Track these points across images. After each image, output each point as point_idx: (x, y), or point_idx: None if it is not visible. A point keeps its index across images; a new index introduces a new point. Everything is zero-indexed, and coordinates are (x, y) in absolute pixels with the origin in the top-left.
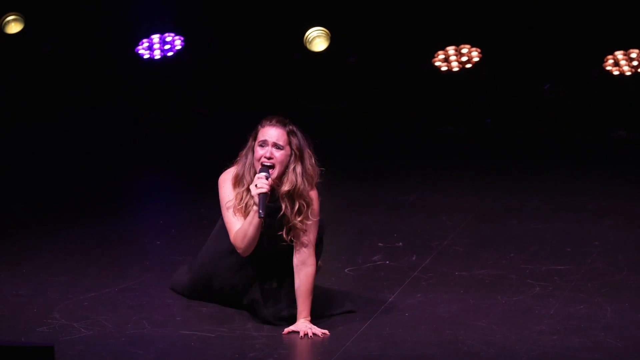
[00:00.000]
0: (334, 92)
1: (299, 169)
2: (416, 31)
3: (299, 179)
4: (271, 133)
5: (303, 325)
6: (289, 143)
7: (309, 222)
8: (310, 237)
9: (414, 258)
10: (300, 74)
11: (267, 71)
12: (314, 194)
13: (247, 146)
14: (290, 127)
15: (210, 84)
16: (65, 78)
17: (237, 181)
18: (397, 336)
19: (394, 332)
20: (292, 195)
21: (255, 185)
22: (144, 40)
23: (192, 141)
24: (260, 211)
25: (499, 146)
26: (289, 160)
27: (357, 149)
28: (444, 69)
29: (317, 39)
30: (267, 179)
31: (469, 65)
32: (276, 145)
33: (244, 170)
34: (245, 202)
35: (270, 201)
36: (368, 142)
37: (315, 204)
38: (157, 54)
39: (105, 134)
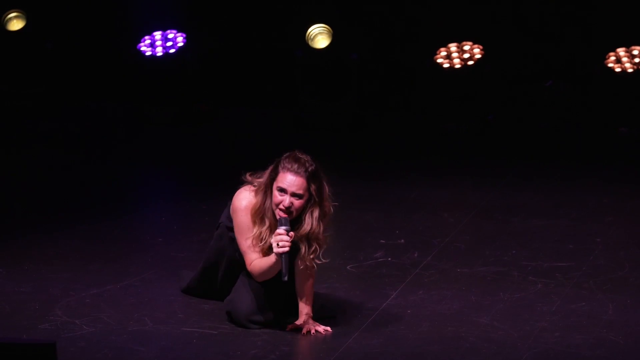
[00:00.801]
0: (336, 89)
1: (316, 213)
2: (418, 28)
3: (315, 223)
4: (291, 181)
5: (306, 322)
6: (308, 189)
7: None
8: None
9: (415, 255)
10: (302, 71)
11: (269, 68)
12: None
13: (267, 178)
14: (311, 169)
15: (212, 81)
16: (68, 75)
17: (256, 216)
18: (399, 333)
19: (396, 329)
20: (309, 238)
21: (277, 245)
22: (146, 37)
23: (194, 138)
24: (284, 272)
25: (501, 143)
26: (308, 205)
27: (359, 146)
28: (446, 65)
29: (319, 36)
30: (287, 233)
31: (471, 62)
32: (295, 195)
33: (264, 209)
34: (265, 241)
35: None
36: (370, 139)
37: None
38: (159, 51)
39: (107, 131)
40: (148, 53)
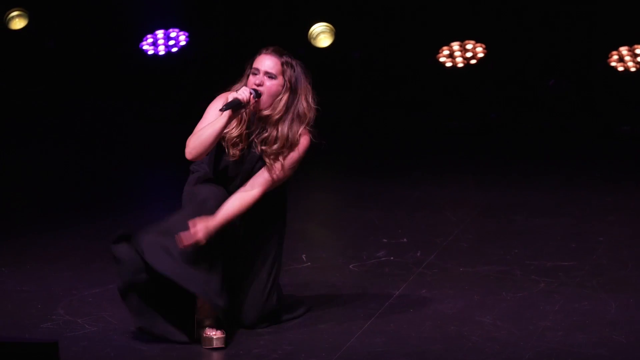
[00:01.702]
0: (338, 87)
1: (285, 99)
2: (421, 26)
3: (280, 107)
4: (265, 62)
5: (198, 222)
6: (282, 73)
7: (285, 166)
8: (274, 176)
9: (418, 254)
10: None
11: None
12: (304, 140)
13: (244, 74)
14: (287, 58)
15: (214, 79)
16: (70, 73)
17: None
18: (402, 332)
19: (399, 328)
20: (269, 121)
21: (236, 92)
22: (149, 35)
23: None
24: (223, 106)
25: (504, 141)
26: (280, 91)
27: (362, 144)
28: (448, 64)
29: (322, 35)
30: (250, 94)
31: (473, 61)
32: (268, 74)
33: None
34: (235, 135)
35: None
36: (372, 137)
37: (300, 149)
38: (162, 50)
39: (109, 129)
40: (150, 52)
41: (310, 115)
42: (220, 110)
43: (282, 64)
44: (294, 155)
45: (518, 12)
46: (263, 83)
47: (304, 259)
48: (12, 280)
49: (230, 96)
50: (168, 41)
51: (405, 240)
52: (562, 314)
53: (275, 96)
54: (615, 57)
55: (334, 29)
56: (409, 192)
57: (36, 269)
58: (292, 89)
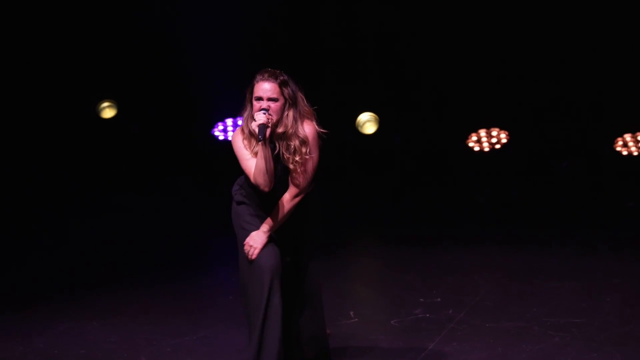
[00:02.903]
0: (381, 166)
1: (291, 114)
2: (452, 116)
3: (290, 123)
4: (265, 88)
5: (253, 235)
6: (282, 93)
7: (307, 157)
8: (306, 167)
9: (450, 312)
10: (353, 152)
11: (324, 151)
12: (311, 129)
13: (247, 98)
14: (282, 78)
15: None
16: (150, 154)
17: (243, 130)
18: None
19: None
20: (286, 137)
21: (254, 119)
22: (219, 123)
23: None
24: (260, 137)
25: (524, 214)
26: (284, 108)
27: (401, 216)
28: (476, 149)
29: (368, 123)
30: (264, 113)
31: (498, 146)
32: (271, 99)
33: (245, 122)
34: (253, 148)
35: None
36: (410, 210)
37: (312, 139)
38: (231, 136)
39: (184, 202)
40: (221, 137)
41: (312, 112)
42: (260, 141)
43: (279, 86)
44: (315, 144)
45: (537, 103)
46: (269, 107)
47: (352, 315)
48: (101, 333)
49: (253, 127)
50: (236, 128)
51: (439, 299)
52: None
53: (281, 114)
54: (620, 142)
55: (378, 118)
56: (442, 258)
57: (122, 322)
58: (293, 103)
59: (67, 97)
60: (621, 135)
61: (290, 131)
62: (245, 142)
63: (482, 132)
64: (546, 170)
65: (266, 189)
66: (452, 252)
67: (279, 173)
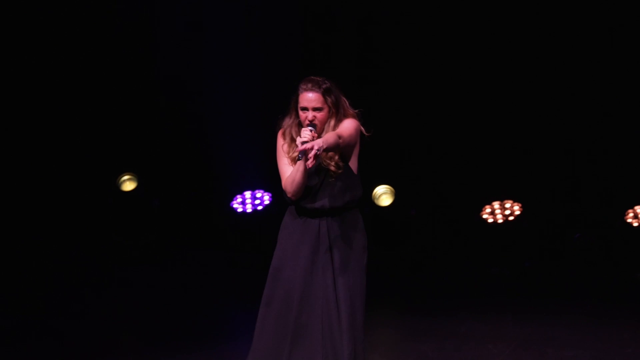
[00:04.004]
0: (397, 238)
1: (333, 123)
2: (466, 188)
3: (332, 129)
4: (309, 98)
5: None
6: (325, 102)
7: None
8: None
9: None
10: (369, 224)
11: None
12: (350, 118)
13: (290, 107)
14: (325, 86)
15: None
16: (171, 227)
17: (285, 134)
18: None
19: None
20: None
21: (300, 137)
22: (238, 196)
23: None
24: (299, 155)
25: (537, 285)
26: (329, 116)
27: (417, 286)
28: (490, 220)
29: (384, 196)
30: (311, 131)
31: (511, 218)
32: (315, 109)
33: (289, 128)
34: (291, 152)
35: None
36: (426, 281)
37: (353, 126)
38: (249, 208)
39: (204, 274)
40: (239, 209)
41: (359, 117)
42: (299, 159)
43: (323, 95)
44: (352, 130)
45: (550, 176)
46: (315, 117)
47: None
48: None
49: (298, 143)
50: (254, 200)
51: None
52: None
53: (325, 122)
54: (631, 214)
55: (394, 191)
56: (456, 328)
57: None
58: (337, 110)
59: (87, 168)
60: (632, 207)
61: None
62: (286, 146)
63: (496, 204)
64: (558, 242)
65: (292, 198)
66: (466, 322)
67: (317, 187)
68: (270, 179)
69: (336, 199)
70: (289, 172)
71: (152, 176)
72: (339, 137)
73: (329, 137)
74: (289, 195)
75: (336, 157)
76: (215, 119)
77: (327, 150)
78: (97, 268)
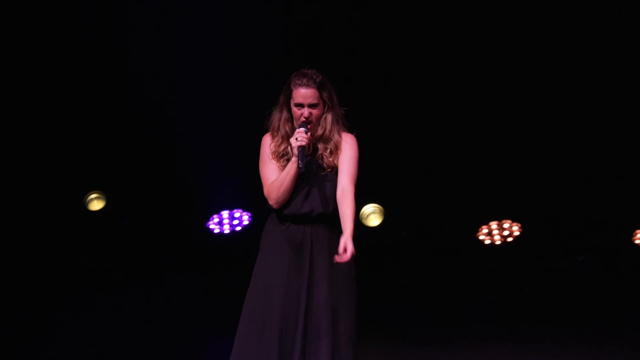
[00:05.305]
0: (387, 261)
1: (329, 117)
2: (462, 207)
3: (329, 126)
4: (305, 94)
5: (344, 239)
6: (321, 97)
7: (347, 156)
8: (347, 168)
9: None
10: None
11: None
12: (350, 137)
13: (280, 102)
14: (319, 80)
15: None
16: (143, 249)
17: (274, 132)
18: None
19: None
20: (323, 139)
21: (296, 139)
22: (215, 215)
23: None
24: (300, 162)
25: (538, 311)
26: (324, 111)
27: (409, 314)
28: (487, 242)
29: (372, 215)
30: (306, 132)
31: (510, 239)
32: (311, 105)
33: (279, 124)
34: (282, 148)
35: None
36: (418, 307)
37: (353, 145)
38: (227, 229)
39: (178, 300)
40: (216, 230)
41: (342, 113)
42: (300, 168)
43: (318, 90)
44: (354, 150)
45: (551, 194)
46: (310, 114)
47: None
48: None
49: (293, 144)
50: (232, 221)
51: None
52: None
53: (321, 117)
54: (639, 235)
55: (383, 210)
56: (452, 358)
57: None
58: (332, 104)
59: (51, 186)
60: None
61: (328, 134)
62: (273, 146)
63: (494, 225)
64: (561, 265)
65: (275, 205)
66: (462, 352)
67: (303, 193)
68: (249, 198)
69: (323, 205)
70: (273, 177)
71: (121, 194)
72: (353, 210)
73: (349, 230)
74: (271, 202)
75: (333, 158)
76: (190, 132)
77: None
78: (63, 293)
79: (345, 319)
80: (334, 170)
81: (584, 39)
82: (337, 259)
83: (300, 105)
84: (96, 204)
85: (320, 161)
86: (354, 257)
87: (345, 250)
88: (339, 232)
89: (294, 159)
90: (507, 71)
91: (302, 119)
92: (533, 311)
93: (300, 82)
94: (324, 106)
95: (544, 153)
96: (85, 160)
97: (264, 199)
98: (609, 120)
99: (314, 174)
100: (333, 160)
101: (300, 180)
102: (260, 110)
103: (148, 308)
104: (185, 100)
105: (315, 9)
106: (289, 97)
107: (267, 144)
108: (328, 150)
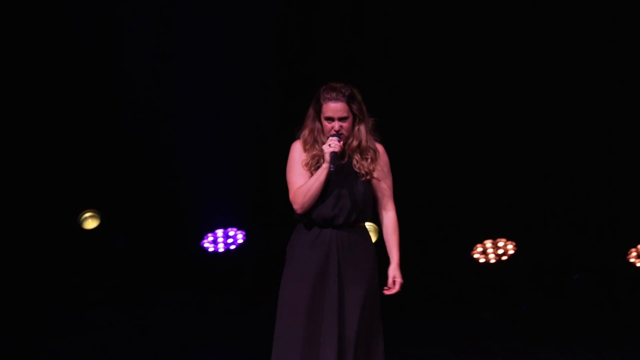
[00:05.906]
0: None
1: (362, 128)
2: (456, 226)
3: (364, 136)
4: (335, 108)
5: (392, 270)
6: (351, 110)
7: (385, 170)
8: (386, 184)
9: None
10: None
11: None
12: (380, 147)
13: (310, 115)
14: (347, 93)
15: (269, 275)
16: (137, 268)
17: (308, 143)
18: None
19: None
20: (360, 150)
21: (329, 145)
22: (209, 234)
23: (250, 324)
24: (331, 165)
25: (533, 330)
26: (354, 123)
27: (401, 332)
28: (482, 261)
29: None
30: (339, 140)
31: (505, 258)
32: (341, 119)
33: (313, 135)
34: (317, 158)
35: (341, 158)
36: (411, 326)
37: (384, 156)
38: (221, 247)
39: (172, 320)
40: (211, 249)
41: (373, 123)
42: (331, 170)
43: (347, 103)
44: (385, 161)
45: (546, 212)
46: (341, 127)
47: None
48: None
49: (325, 151)
50: (227, 239)
51: None
52: None
53: (351, 130)
54: (634, 253)
55: (377, 228)
56: None
57: None
58: (362, 116)
59: (46, 205)
60: (635, 246)
61: (365, 144)
62: (305, 155)
63: (488, 243)
64: (556, 283)
65: (300, 211)
66: None
67: (332, 198)
68: (244, 216)
69: (354, 209)
70: (300, 183)
71: (116, 213)
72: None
73: (396, 261)
74: (296, 206)
75: (373, 166)
76: (185, 151)
77: None
78: (57, 312)
79: (374, 324)
80: (370, 177)
81: (576, 57)
82: (386, 291)
83: (330, 119)
84: (90, 223)
85: (355, 168)
86: (376, 264)
87: (394, 282)
88: (366, 237)
89: (324, 165)
90: (502, 89)
91: (333, 132)
92: (528, 330)
93: (329, 96)
94: (354, 118)
95: (539, 172)
96: (80, 179)
97: (290, 208)
98: (604, 140)
99: (346, 179)
100: (372, 167)
101: (332, 185)
102: (254, 132)
103: (142, 327)
104: (180, 119)
105: (311, 17)
106: (318, 110)
107: (297, 150)
108: (368, 159)
